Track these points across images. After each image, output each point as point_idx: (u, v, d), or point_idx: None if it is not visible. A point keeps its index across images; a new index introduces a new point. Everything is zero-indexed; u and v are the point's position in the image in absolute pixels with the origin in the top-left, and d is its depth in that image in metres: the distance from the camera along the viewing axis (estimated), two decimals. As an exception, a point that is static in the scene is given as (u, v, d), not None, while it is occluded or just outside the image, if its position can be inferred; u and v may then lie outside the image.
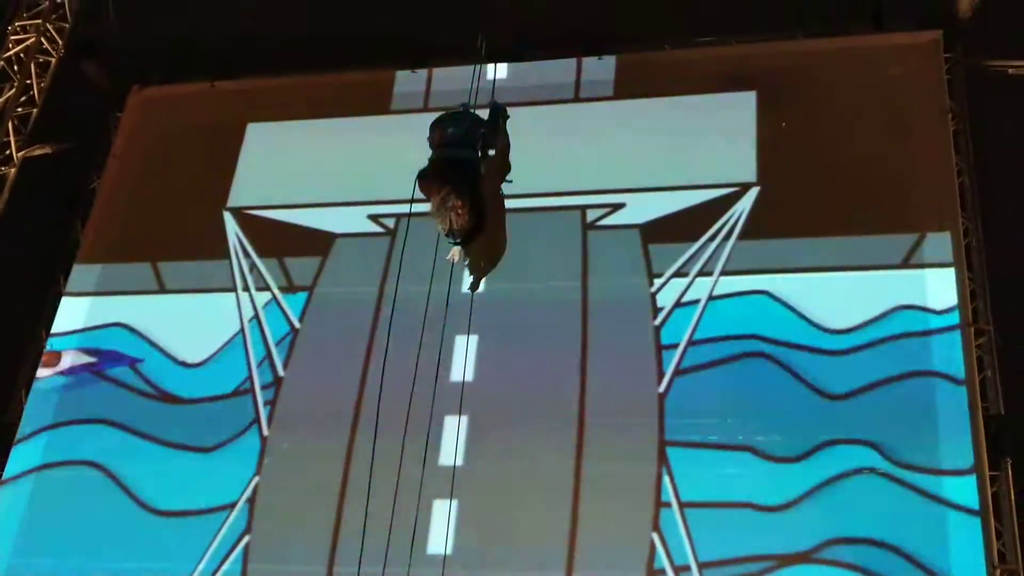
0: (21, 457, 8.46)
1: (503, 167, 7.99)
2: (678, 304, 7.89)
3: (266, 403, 8.18)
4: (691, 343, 7.73)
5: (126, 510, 8.02)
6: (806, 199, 8.01)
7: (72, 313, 8.95)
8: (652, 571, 7.06)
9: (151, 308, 8.82)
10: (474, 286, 7.53)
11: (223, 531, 7.76)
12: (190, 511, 7.91)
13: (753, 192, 8.13)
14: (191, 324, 8.65)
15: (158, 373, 8.53)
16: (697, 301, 7.86)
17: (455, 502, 7.38)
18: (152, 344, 8.66)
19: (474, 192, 7.21)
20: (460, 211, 7.09)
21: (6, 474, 8.42)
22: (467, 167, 7.35)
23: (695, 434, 7.46)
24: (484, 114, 7.03)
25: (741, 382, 7.56)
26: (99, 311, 8.92)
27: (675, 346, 7.74)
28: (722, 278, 7.89)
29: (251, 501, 7.84)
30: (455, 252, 7.20)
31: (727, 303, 7.82)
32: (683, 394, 7.58)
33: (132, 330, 8.73)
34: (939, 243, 7.66)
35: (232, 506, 7.85)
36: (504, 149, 7.89)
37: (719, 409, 7.50)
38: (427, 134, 8.66)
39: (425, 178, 7.52)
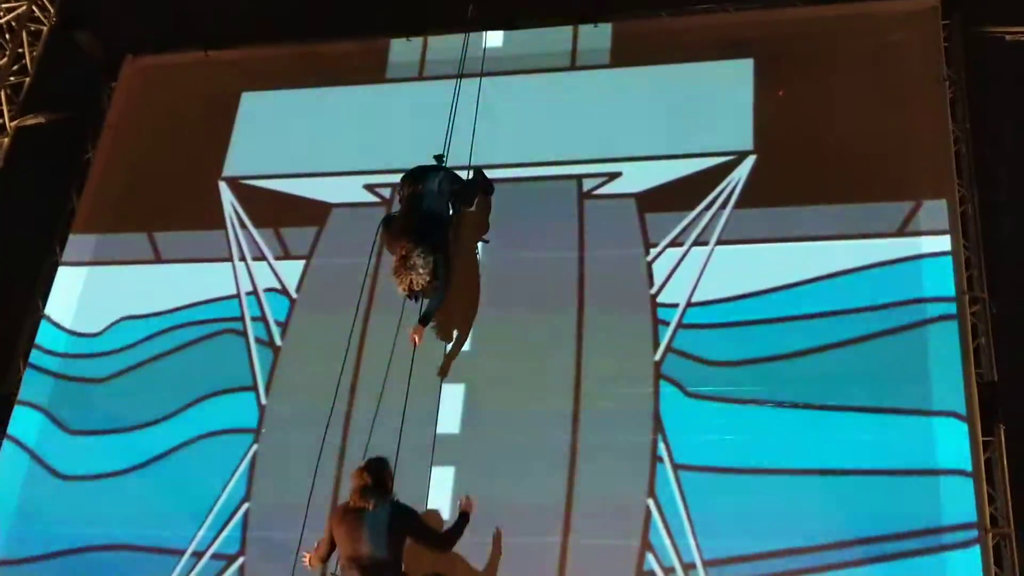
0: (21, 426, 8.49)
1: (481, 227, 7.98)
2: (674, 273, 7.90)
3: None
4: (687, 310, 7.76)
5: (125, 477, 8.07)
6: (803, 167, 8.00)
7: (69, 283, 8.97)
8: (647, 536, 7.10)
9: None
10: (443, 371, 7.64)
11: (222, 499, 7.81)
12: (188, 479, 7.95)
13: (750, 161, 8.12)
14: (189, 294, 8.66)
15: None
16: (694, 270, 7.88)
17: (452, 469, 7.45)
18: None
19: (439, 252, 7.20)
20: (420, 271, 7.11)
21: (6, 442, 8.45)
22: (435, 224, 7.34)
23: (691, 401, 7.48)
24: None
25: (736, 348, 7.56)
26: (96, 281, 8.94)
27: (672, 309, 7.76)
28: (718, 247, 7.90)
29: (250, 469, 7.88)
30: (415, 334, 7.22)
31: (724, 270, 7.82)
32: (679, 362, 7.60)
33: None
34: (935, 211, 7.67)
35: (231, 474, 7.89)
36: (485, 210, 7.88)
37: (716, 376, 7.52)
38: (422, 102, 8.72)
39: (389, 229, 7.47)
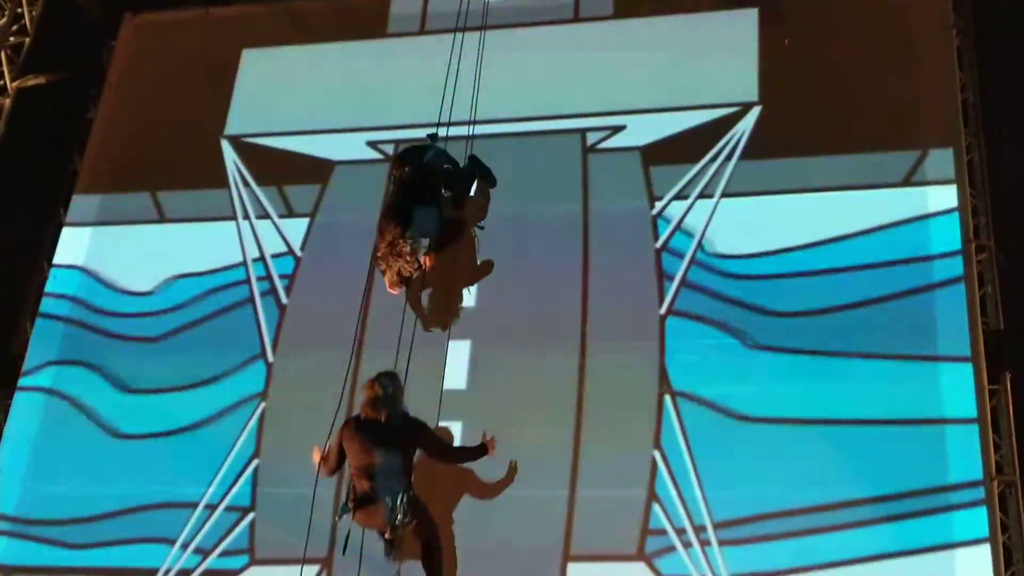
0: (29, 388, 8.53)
1: (479, 212, 7.84)
2: (679, 226, 7.89)
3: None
4: (692, 264, 7.76)
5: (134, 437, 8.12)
6: (808, 118, 7.96)
7: (73, 243, 8.97)
8: (653, 487, 7.14)
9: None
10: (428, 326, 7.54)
11: (232, 455, 7.86)
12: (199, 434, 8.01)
13: (755, 112, 8.08)
14: (193, 253, 8.67)
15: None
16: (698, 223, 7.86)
17: (460, 424, 7.48)
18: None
19: (433, 233, 7.04)
20: (408, 258, 6.98)
21: (14, 405, 8.49)
22: (426, 209, 7.11)
23: (696, 354, 7.49)
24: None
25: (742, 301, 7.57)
26: (100, 241, 8.94)
27: (678, 262, 7.77)
28: (723, 200, 7.87)
29: (259, 425, 7.93)
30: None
31: (728, 224, 7.81)
32: (684, 315, 7.60)
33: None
34: (941, 159, 7.64)
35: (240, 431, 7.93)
36: (483, 197, 7.75)
37: (720, 329, 7.52)
38: (424, 57, 8.62)
39: (381, 222, 7.14)
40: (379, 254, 7.05)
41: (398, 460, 6.38)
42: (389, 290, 7.25)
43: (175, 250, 8.71)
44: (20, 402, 8.47)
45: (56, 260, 8.93)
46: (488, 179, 7.80)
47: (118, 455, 8.07)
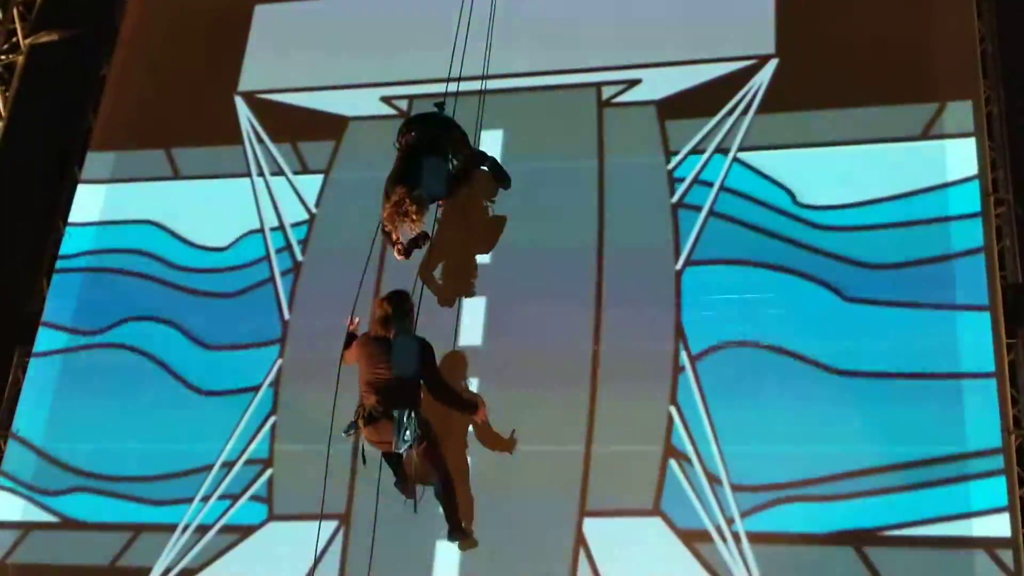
0: (47, 344, 8.57)
1: (488, 188, 7.76)
2: (695, 181, 7.84)
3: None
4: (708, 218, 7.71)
5: (154, 393, 8.16)
6: (826, 70, 7.87)
7: (89, 201, 8.97)
8: (670, 442, 7.16)
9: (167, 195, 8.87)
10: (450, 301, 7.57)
11: (249, 412, 7.90)
12: (216, 392, 8.05)
13: (772, 64, 8.00)
14: (208, 211, 8.68)
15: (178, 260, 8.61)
16: (714, 178, 7.81)
17: (476, 381, 7.50)
18: (170, 233, 8.70)
19: (441, 194, 7.01)
20: (414, 218, 6.92)
21: (32, 361, 8.54)
22: (433, 172, 7.06)
23: (711, 310, 7.47)
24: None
25: (758, 259, 7.54)
26: (115, 198, 8.94)
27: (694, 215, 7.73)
28: (740, 153, 7.82)
29: (275, 383, 7.96)
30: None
31: (746, 179, 7.75)
32: (700, 271, 7.58)
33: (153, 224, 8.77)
34: (960, 112, 7.56)
35: (257, 388, 7.97)
36: (495, 172, 7.67)
37: (736, 285, 7.50)
38: (437, 12, 8.55)
39: (388, 186, 7.07)
40: (385, 215, 7.04)
41: (404, 377, 6.56)
42: (397, 257, 7.24)
43: (189, 207, 8.73)
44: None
45: (71, 218, 8.95)
46: (502, 179, 7.75)
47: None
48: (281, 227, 8.48)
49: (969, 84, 7.65)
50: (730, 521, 6.91)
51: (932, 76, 7.73)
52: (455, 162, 7.34)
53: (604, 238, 7.81)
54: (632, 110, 8.18)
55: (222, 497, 7.74)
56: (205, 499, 7.74)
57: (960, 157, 7.45)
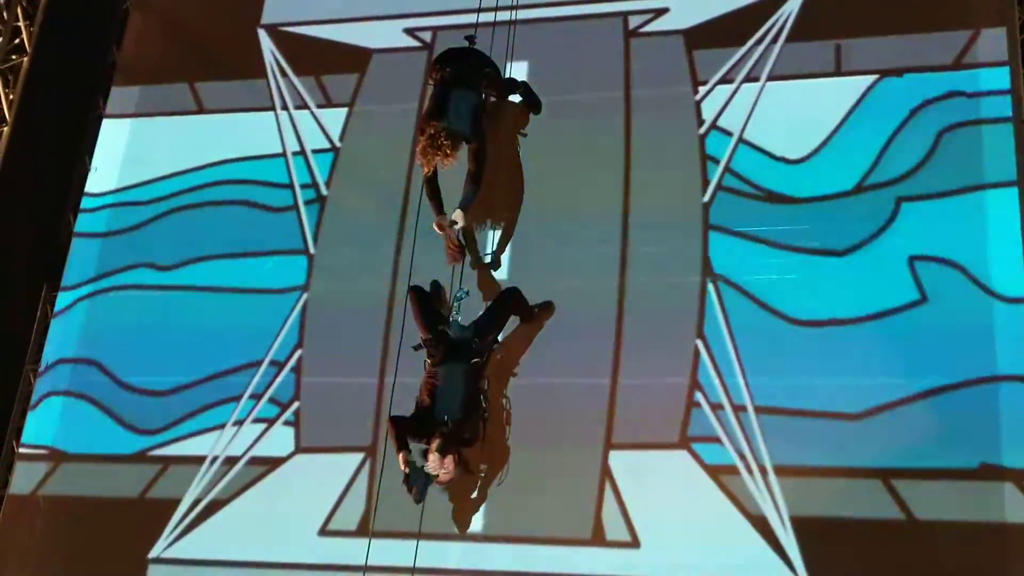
0: (74, 277, 8.61)
1: (520, 119, 7.63)
2: (723, 111, 7.73)
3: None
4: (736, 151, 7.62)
5: (180, 328, 8.21)
6: (855, -1, 7.74)
7: (114, 135, 8.97)
8: (696, 375, 7.14)
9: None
10: (495, 264, 7.44)
11: (275, 346, 7.92)
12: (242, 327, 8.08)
13: (803, -9, 7.87)
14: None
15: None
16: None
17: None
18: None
19: (472, 140, 6.90)
20: (449, 152, 6.83)
21: (60, 298, 8.59)
22: (467, 108, 6.97)
23: (740, 244, 7.41)
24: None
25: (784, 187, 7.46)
26: (140, 133, 8.93)
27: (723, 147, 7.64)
28: (769, 83, 7.70)
29: (301, 317, 7.97)
30: (455, 219, 6.95)
31: (776, 107, 7.64)
32: (727, 203, 7.50)
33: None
34: (994, 40, 7.40)
35: (284, 322, 7.98)
36: (524, 108, 7.53)
37: (764, 217, 7.43)
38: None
39: (423, 122, 7.00)
40: (419, 149, 6.98)
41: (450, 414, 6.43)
42: (449, 264, 7.13)
43: (214, 141, 8.70)
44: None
45: (97, 152, 8.94)
46: (535, 104, 7.68)
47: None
48: (305, 160, 8.44)
49: (1003, 11, 7.48)
50: (752, 441, 6.92)
51: (965, 3, 7.57)
52: (489, 97, 7.28)
53: (630, 170, 7.73)
54: (659, 39, 8.06)
55: (252, 424, 7.79)
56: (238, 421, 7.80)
57: (993, 86, 7.31)
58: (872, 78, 7.50)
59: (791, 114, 7.58)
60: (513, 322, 7.19)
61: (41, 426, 8.21)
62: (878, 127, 7.40)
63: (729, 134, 7.64)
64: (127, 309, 8.37)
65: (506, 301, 7.00)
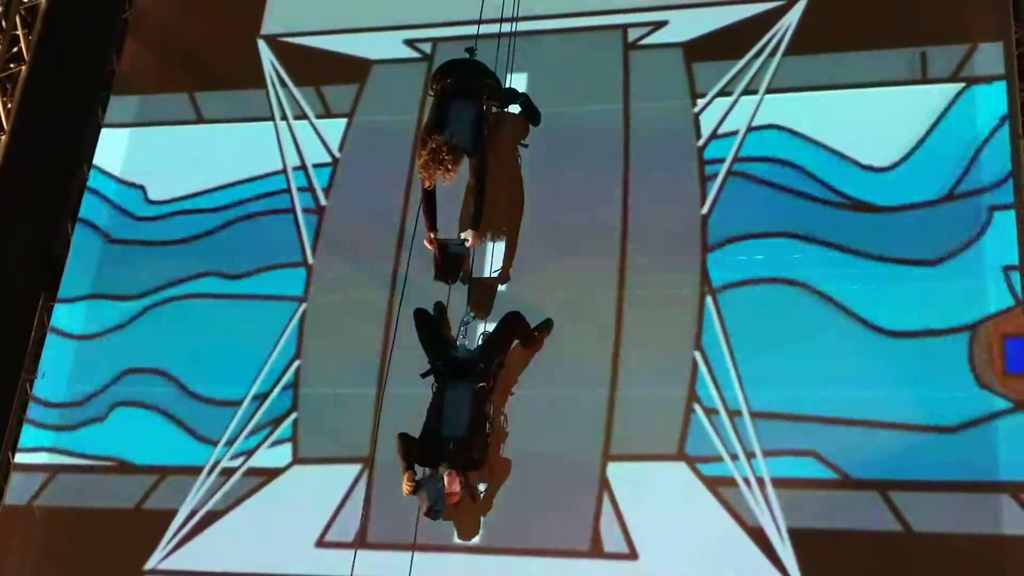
0: (72, 288, 8.59)
1: (520, 130, 7.62)
2: (722, 124, 7.75)
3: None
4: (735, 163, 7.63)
5: (195, 339, 8.21)
6: (854, 11, 7.74)
7: (112, 145, 8.95)
8: (694, 387, 7.14)
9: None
10: (502, 278, 7.41)
11: (273, 356, 7.91)
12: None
13: (801, 4, 7.86)
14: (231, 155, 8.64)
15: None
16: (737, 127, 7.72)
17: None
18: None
19: (474, 148, 6.89)
20: (451, 167, 6.81)
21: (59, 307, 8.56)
22: (469, 121, 6.90)
23: (739, 255, 7.42)
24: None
25: (785, 203, 7.46)
26: (139, 142, 8.92)
27: (719, 164, 7.65)
28: (768, 96, 7.72)
29: (300, 327, 7.96)
30: (469, 235, 6.95)
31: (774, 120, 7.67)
32: (726, 215, 7.51)
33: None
34: (991, 54, 7.42)
35: (281, 332, 7.98)
36: (524, 119, 7.53)
37: (764, 230, 7.44)
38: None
39: (424, 135, 6.89)
40: (420, 163, 6.95)
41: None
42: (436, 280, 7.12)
43: (213, 152, 8.70)
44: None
45: (96, 162, 8.93)
46: (534, 116, 7.66)
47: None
48: (304, 171, 8.44)
49: (1000, 25, 7.51)
50: (751, 455, 6.91)
51: (962, 17, 7.60)
52: (490, 108, 7.27)
53: (629, 181, 7.75)
54: (658, 52, 8.08)
55: (247, 438, 7.78)
56: (230, 442, 7.78)
57: (990, 100, 7.33)
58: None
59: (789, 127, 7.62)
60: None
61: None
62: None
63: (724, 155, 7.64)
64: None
65: (508, 325, 6.95)
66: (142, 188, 8.74)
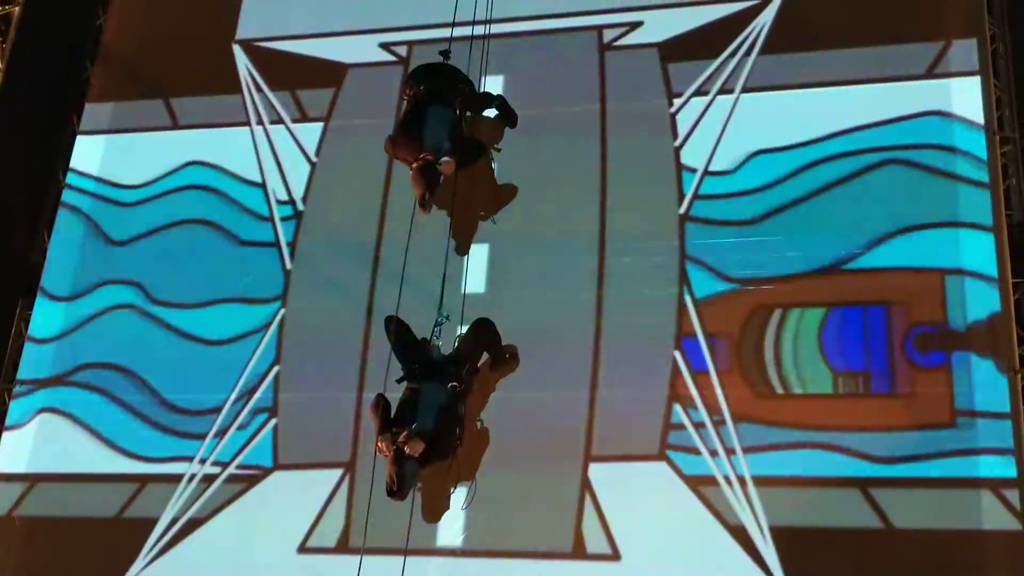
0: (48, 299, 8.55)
1: (495, 134, 7.57)
2: (698, 123, 7.76)
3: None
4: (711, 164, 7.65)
5: (158, 344, 8.16)
6: (829, 10, 7.79)
7: (88, 152, 8.90)
8: (674, 386, 7.16)
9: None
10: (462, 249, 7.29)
11: (252, 362, 7.89)
12: (218, 341, 8.04)
13: (775, 4, 7.89)
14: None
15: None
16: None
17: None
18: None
19: (451, 152, 6.82)
20: (440, 181, 6.74)
21: (35, 313, 8.50)
22: (442, 125, 6.75)
23: (716, 254, 7.44)
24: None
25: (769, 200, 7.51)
26: (114, 149, 8.87)
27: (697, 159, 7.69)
28: (743, 95, 7.74)
29: (279, 332, 7.94)
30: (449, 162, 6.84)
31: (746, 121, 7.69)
32: (704, 214, 7.53)
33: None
34: (965, 51, 7.47)
35: (261, 337, 7.95)
36: (500, 123, 7.47)
37: (737, 229, 7.46)
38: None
39: (396, 138, 6.78)
40: (411, 176, 6.88)
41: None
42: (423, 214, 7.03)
43: (188, 156, 8.67)
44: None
45: (71, 168, 8.87)
46: (509, 118, 7.61)
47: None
48: (281, 175, 8.42)
49: (974, 22, 7.56)
50: (731, 451, 6.94)
51: (937, 14, 7.64)
52: (464, 113, 7.23)
53: (607, 183, 7.76)
54: (634, 53, 8.09)
55: (227, 446, 7.75)
56: (203, 459, 7.76)
57: (965, 95, 7.37)
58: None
59: (766, 125, 7.63)
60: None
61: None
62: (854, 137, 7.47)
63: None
64: (101, 331, 8.33)
65: (479, 330, 6.86)
66: (118, 195, 8.69)
